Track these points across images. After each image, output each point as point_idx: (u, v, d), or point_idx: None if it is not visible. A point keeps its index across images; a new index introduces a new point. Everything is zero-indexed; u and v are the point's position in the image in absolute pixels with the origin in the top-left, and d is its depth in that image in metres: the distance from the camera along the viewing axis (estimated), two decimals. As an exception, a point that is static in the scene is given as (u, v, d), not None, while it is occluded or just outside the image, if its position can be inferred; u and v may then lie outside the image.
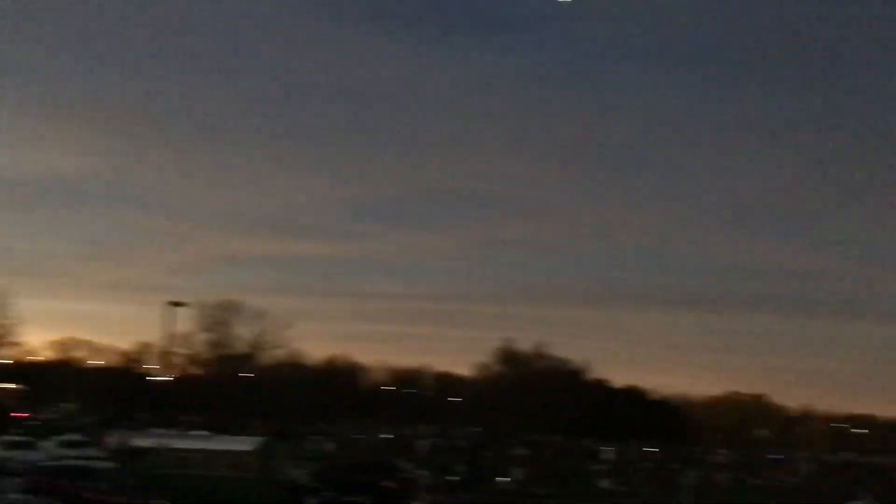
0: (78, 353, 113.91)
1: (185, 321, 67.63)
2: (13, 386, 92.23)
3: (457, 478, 40.62)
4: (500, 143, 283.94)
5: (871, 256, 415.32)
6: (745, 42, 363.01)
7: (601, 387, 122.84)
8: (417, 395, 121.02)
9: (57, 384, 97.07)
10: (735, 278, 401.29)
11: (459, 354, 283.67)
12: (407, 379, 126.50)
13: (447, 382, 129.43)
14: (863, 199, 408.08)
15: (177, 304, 51.94)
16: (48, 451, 34.00)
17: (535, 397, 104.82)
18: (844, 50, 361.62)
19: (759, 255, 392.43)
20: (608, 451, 69.20)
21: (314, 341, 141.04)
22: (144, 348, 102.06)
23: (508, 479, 42.15)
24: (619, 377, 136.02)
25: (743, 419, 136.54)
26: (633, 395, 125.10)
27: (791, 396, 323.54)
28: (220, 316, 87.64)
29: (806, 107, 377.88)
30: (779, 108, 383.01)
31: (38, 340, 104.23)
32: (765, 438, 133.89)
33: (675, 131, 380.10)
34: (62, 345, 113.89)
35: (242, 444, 28.50)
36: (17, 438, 35.79)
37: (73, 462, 26.06)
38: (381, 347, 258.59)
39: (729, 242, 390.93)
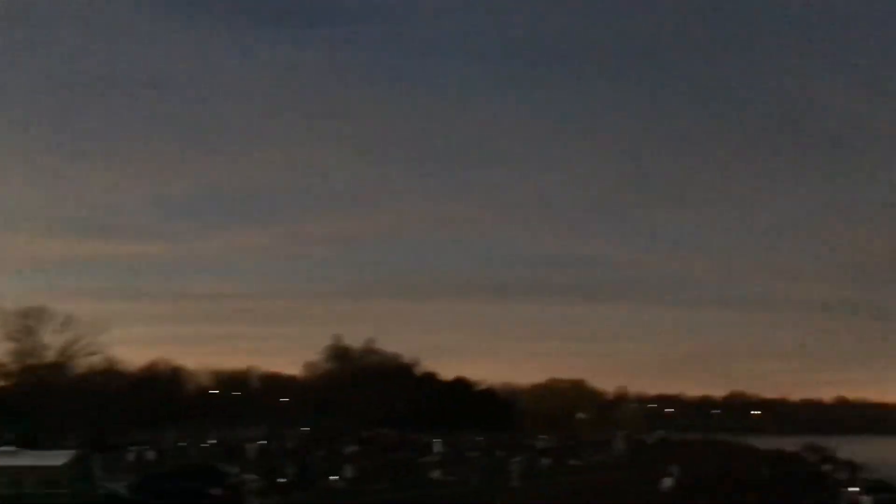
0: None
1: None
2: None
3: (286, 479, 39.87)
4: (316, 137, 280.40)
5: (679, 247, 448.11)
6: (558, 38, 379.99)
7: (430, 380, 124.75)
8: (244, 397, 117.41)
9: None
10: (551, 268, 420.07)
11: (287, 354, 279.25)
12: (232, 381, 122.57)
13: (275, 383, 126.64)
14: (670, 193, 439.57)
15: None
16: None
17: (366, 393, 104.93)
18: (657, 49, 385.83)
19: (572, 245, 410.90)
20: (438, 443, 70.06)
21: (131, 346, 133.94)
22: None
23: (339, 477, 41.79)
24: (448, 369, 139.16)
25: (563, 404, 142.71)
26: (460, 387, 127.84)
27: (607, 380, 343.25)
28: (24, 324, 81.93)
29: (610, 102, 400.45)
30: (587, 103, 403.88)
31: None
32: (584, 421, 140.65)
33: (487, 125, 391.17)
34: None
35: (54, 458, 26.61)
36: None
37: None
38: (203, 350, 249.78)
39: (545, 234, 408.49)
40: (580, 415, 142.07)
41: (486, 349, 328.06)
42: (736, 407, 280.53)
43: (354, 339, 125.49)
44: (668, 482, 39.05)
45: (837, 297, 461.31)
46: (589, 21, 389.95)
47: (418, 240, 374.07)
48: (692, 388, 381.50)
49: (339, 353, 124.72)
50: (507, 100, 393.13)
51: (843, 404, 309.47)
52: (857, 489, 37.99)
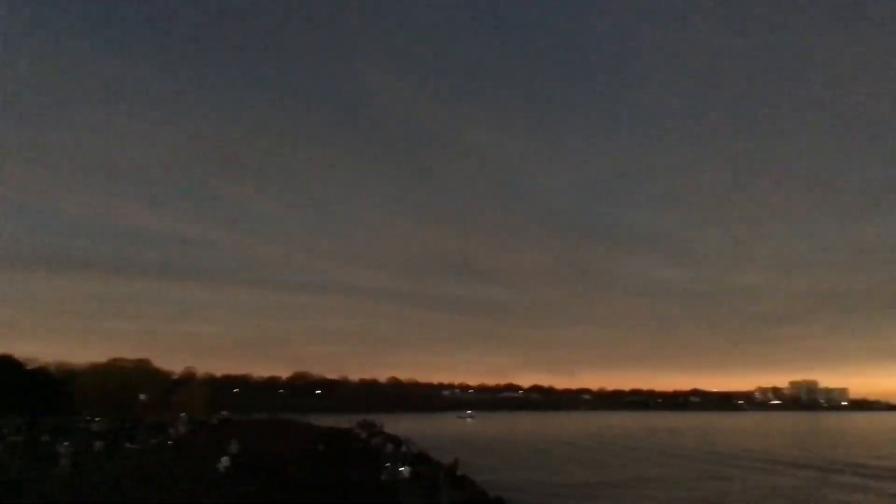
0: None
1: None
2: None
3: None
4: None
5: (252, 229, 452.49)
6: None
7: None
8: None
9: None
10: (118, 242, 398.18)
11: None
12: None
13: None
14: (241, 173, 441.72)
15: None
16: None
17: None
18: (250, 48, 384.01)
19: (136, 219, 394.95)
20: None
21: None
22: None
23: None
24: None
25: (125, 385, 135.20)
26: (5, 366, 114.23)
27: (175, 361, 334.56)
28: None
29: (208, 89, 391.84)
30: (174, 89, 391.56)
31: None
32: (146, 403, 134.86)
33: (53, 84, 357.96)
34: None
35: None
36: None
37: None
38: None
39: (114, 205, 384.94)
40: (143, 396, 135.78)
41: (39, 325, 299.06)
42: (300, 387, 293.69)
43: None
44: (225, 462, 39.09)
45: (396, 286, 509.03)
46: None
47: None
48: (260, 369, 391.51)
49: None
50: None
51: (395, 384, 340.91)
52: (400, 461, 41.74)
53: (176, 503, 28.14)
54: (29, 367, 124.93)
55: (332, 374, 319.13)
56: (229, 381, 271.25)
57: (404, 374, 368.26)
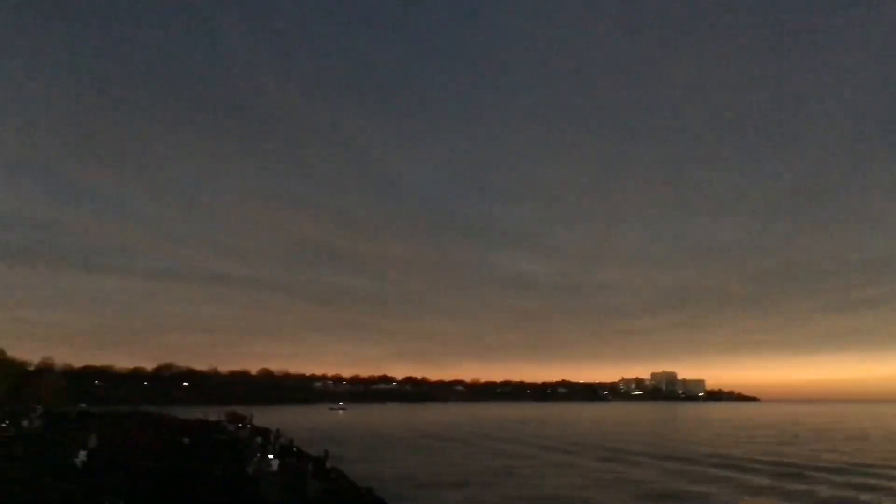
0: None
1: None
2: None
3: None
4: None
5: (116, 213, 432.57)
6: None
7: None
8: None
9: None
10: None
11: None
12: None
13: None
14: (103, 155, 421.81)
15: None
16: None
17: None
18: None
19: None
20: None
21: None
22: None
23: None
24: None
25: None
26: None
27: (32, 350, 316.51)
28: None
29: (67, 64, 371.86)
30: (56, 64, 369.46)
31: None
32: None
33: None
34: None
35: None
36: None
37: None
38: None
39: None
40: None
41: None
42: (166, 378, 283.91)
43: None
44: (82, 455, 37.51)
45: (268, 276, 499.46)
46: None
47: None
48: (123, 360, 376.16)
49: None
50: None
51: (267, 375, 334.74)
52: (268, 454, 41.19)
53: (27, 500, 26.78)
54: None
55: (200, 366, 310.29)
56: (90, 372, 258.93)
57: (276, 366, 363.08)
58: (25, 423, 75.47)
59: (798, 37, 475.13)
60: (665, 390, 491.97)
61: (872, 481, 47.02)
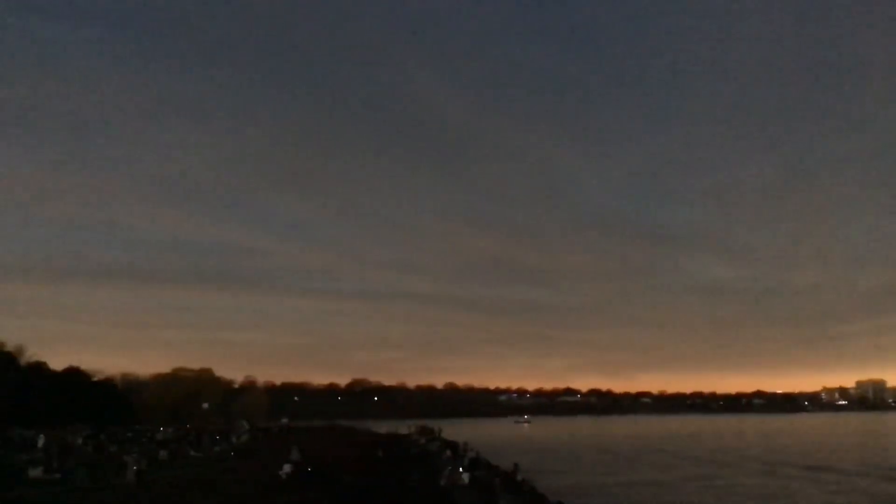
0: None
1: None
2: None
3: None
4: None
5: (304, 237, 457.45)
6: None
7: (38, 370, 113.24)
8: None
9: None
10: (173, 253, 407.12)
11: None
12: None
13: None
14: (297, 183, 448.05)
15: None
16: None
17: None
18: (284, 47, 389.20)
19: (195, 230, 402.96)
20: (41, 439, 63.67)
21: None
22: None
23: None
24: (61, 359, 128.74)
25: (188, 394, 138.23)
26: (72, 378, 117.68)
27: (236, 369, 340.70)
28: None
29: (235, 90, 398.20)
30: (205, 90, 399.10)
31: None
32: (209, 411, 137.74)
33: (122, 101, 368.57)
34: None
35: None
36: None
37: None
38: None
39: (165, 217, 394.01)
40: (205, 404, 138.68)
41: (104, 338, 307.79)
42: (358, 393, 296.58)
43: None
44: (287, 468, 39.68)
45: (449, 292, 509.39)
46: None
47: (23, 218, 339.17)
48: (318, 377, 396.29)
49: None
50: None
51: (452, 389, 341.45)
52: (458, 467, 41.84)
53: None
54: (95, 379, 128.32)
55: (389, 381, 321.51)
56: (288, 389, 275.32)
57: (461, 380, 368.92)
58: (234, 438, 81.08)
59: None
60: (873, 398, 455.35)
61: None
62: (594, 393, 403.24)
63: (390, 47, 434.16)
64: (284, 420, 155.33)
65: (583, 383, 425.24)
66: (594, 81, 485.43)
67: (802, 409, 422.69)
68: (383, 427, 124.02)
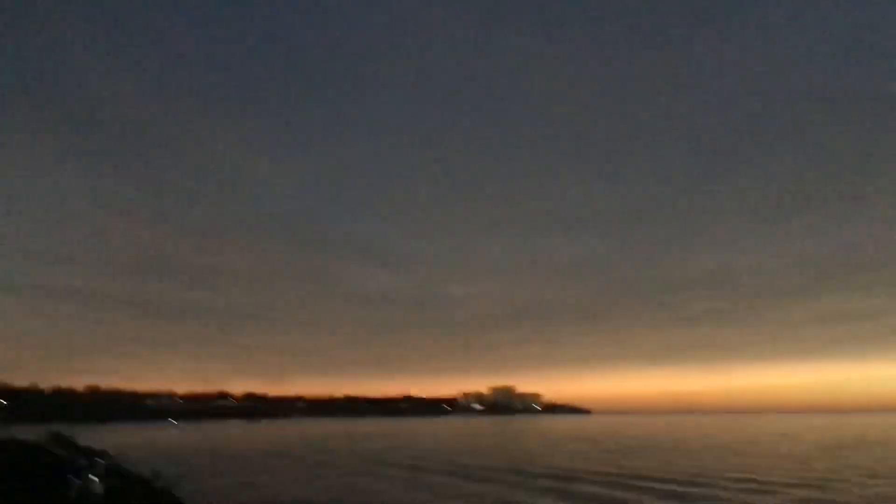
0: None
1: None
2: None
3: None
4: None
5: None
6: None
7: None
8: None
9: None
10: None
11: None
12: None
13: None
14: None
15: None
16: None
17: None
18: None
19: None
20: None
21: None
22: None
23: None
24: None
25: None
26: None
27: None
28: None
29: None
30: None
31: None
32: None
33: None
34: None
35: None
36: None
37: None
38: None
39: None
40: None
41: None
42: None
43: None
44: None
45: (98, 288, 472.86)
46: None
47: None
48: None
49: None
50: None
51: (94, 392, 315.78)
52: (92, 475, 38.65)
53: None
54: None
55: (19, 382, 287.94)
56: None
57: (106, 383, 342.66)
58: None
59: (651, 67, 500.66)
60: (503, 404, 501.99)
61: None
62: (249, 397, 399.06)
63: (61, 27, 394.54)
64: None
65: (238, 387, 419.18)
66: (281, 87, 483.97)
67: (445, 412, 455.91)
68: (7, 434, 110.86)
